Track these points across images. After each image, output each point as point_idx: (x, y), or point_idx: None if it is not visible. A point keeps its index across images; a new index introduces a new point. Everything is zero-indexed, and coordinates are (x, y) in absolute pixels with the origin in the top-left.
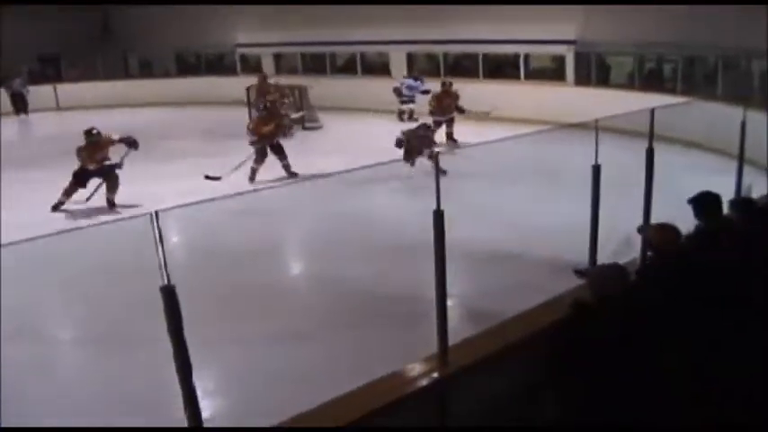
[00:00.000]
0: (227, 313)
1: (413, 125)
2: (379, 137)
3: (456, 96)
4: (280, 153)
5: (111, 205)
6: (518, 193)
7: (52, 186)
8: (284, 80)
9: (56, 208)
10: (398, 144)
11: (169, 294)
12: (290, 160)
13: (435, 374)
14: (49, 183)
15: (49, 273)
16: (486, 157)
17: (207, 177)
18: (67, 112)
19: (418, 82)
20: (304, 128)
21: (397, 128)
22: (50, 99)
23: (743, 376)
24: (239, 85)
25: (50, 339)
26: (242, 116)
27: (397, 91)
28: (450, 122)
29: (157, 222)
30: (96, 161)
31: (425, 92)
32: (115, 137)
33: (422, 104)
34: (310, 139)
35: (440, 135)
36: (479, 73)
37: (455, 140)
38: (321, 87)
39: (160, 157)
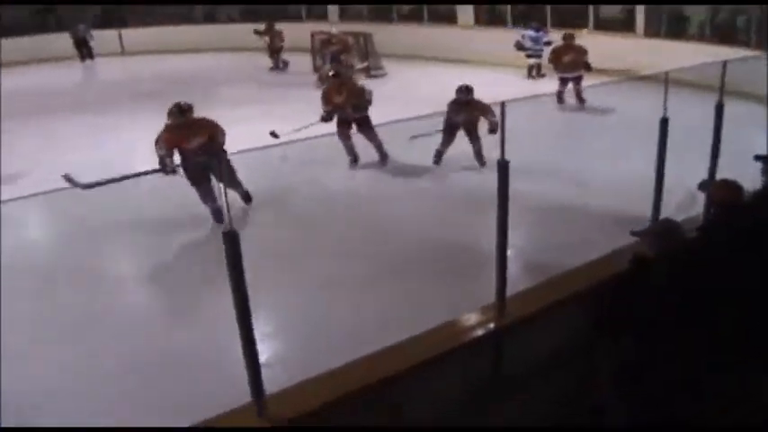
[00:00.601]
0: (289, 258)
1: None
2: (445, 86)
3: (581, 51)
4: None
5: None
6: (582, 147)
7: (120, 130)
8: (349, 27)
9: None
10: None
11: (231, 239)
12: None
13: (492, 325)
14: (116, 127)
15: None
16: (551, 110)
17: (271, 134)
18: (132, 56)
19: (540, 32)
20: (368, 76)
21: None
22: (115, 44)
23: None
24: (304, 31)
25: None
26: (306, 63)
27: (519, 45)
28: (577, 80)
29: (222, 166)
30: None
31: (548, 43)
32: None
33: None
34: (374, 86)
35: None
36: (547, 22)
37: (583, 100)
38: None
39: (223, 102)
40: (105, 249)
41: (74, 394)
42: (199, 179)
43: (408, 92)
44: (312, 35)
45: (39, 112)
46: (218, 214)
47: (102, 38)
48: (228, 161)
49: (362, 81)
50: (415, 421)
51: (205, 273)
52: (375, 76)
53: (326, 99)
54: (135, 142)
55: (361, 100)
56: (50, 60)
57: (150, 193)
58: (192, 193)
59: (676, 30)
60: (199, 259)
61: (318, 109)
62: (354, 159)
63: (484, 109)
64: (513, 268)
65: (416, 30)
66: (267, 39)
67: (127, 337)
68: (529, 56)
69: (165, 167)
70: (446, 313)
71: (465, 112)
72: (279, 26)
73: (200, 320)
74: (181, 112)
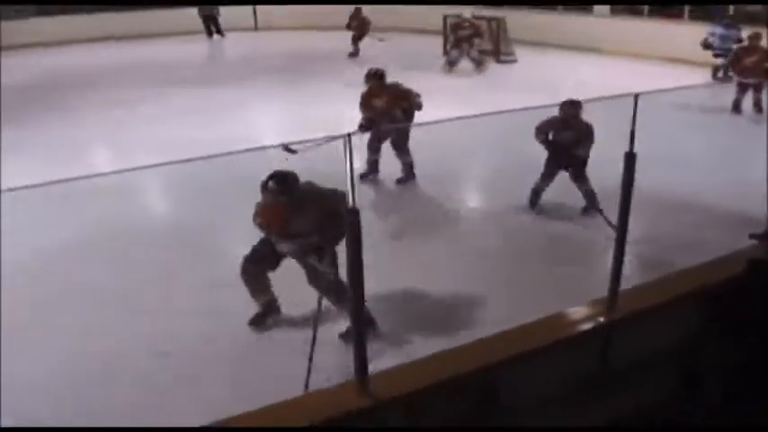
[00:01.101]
0: (409, 235)
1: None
2: (577, 74)
3: (766, 54)
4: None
5: None
6: (710, 143)
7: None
8: (482, 11)
9: None
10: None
11: (353, 216)
12: (482, 95)
13: (601, 318)
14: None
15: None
16: (680, 102)
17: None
18: (265, 32)
19: (732, 30)
20: (499, 61)
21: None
22: (249, 19)
23: None
24: (436, 14)
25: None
26: (438, 47)
27: (707, 44)
28: (757, 88)
29: (350, 145)
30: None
31: (739, 40)
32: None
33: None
34: (505, 73)
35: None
36: (684, 14)
37: (761, 110)
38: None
39: (351, 80)
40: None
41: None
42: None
43: (540, 79)
44: (445, 18)
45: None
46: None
47: (234, 12)
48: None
49: (492, 65)
50: (513, 410)
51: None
52: (505, 62)
53: (365, 104)
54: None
55: (408, 104)
56: (178, 35)
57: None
58: None
59: None
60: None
61: (443, 99)
62: (371, 171)
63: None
64: (627, 261)
65: (550, 17)
66: (355, 24)
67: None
68: (716, 55)
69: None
70: (558, 303)
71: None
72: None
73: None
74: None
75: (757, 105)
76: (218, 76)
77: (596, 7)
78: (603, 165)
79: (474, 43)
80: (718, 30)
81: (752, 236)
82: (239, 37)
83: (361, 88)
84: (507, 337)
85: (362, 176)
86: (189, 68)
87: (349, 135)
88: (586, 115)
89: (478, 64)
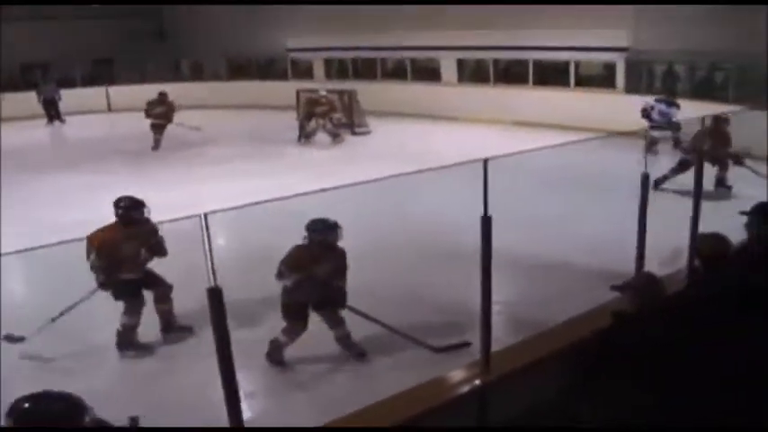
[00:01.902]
0: (268, 316)
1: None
2: (431, 143)
3: (725, 138)
4: None
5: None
6: (565, 202)
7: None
8: (333, 86)
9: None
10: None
11: (216, 296)
12: (338, 166)
13: (477, 381)
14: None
15: None
16: (534, 165)
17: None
18: (119, 113)
19: (672, 108)
20: (353, 133)
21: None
22: (102, 101)
23: None
24: (289, 89)
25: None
26: (292, 121)
27: (645, 113)
28: (723, 166)
29: (206, 224)
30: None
31: (675, 126)
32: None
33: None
34: (360, 144)
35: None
36: (529, 80)
37: (728, 187)
38: (369, 94)
39: (208, 160)
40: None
41: None
42: None
43: (394, 149)
44: (298, 93)
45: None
46: None
47: (89, 95)
48: None
49: (347, 137)
50: None
51: None
52: (359, 134)
53: (294, 264)
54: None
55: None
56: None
57: None
58: None
59: (656, 86)
60: None
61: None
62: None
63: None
64: (496, 322)
65: (401, 87)
66: (159, 110)
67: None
68: (653, 127)
69: None
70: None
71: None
72: (270, 84)
73: None
74: None
75: (721, 183)
76: (71, 159)
77: (444, 76)
78: (463, 230)
79: (331, 117)
80: (659, 106)
81: (613, 287)
82: (91, 119)
83: (217, 166)
84: (389, 404)
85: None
86: (38, 153)
87: (205, 214)
88: (438, 184)
89: (335, 137)
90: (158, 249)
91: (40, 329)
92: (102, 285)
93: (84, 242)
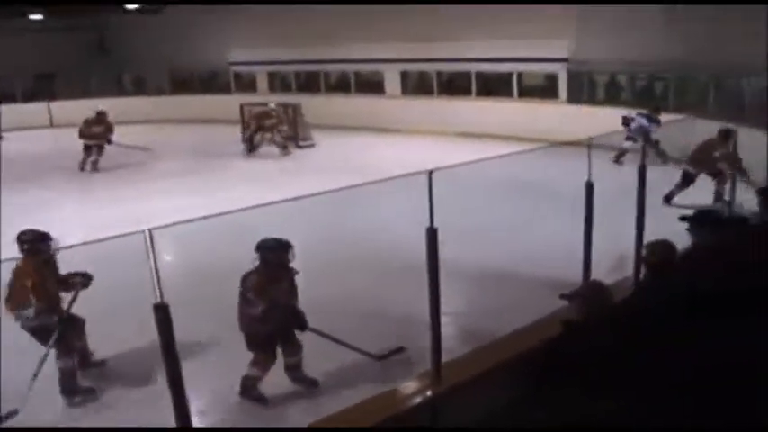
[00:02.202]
0: (217, 331)
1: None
2: (375, 155)
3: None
4: None
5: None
6: (511, 213)
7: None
8: (277, 99)
9: None
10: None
11: (162, 312)
12: (285, 178)
13: (428, 392)
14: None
15: None
16: (479, 176)
17: None
18: (62, 129)
19: (652, 124)
20: (298, 147)
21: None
22: (44, 116)
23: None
24: (233, 102)
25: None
26: (236, 135)
27: (626, 122)
28: (721, 180)
29: (151, 240)
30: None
31: (654, 142)
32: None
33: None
34: (305, 157)
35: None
36: (472, 91)
37: (725, 201)
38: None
39: (153, 175)
40: None
41: None
42: None
43: (339, 162)
44: (242, 107)
45: None
46: None
47: (31, 110)
48: None
49: (292, 150)
50: None
51: None
52: (304, 147)
53: (261, 291)
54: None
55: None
56: None
57: None
58: None
59: (598, 96)
60: None
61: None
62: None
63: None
64: (447, 334)
65: (345, 100)
66: (96, 130)
67: None
68: (628, 138)
69: None
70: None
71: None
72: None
73: None
74: None
75: (719, 197)
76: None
77: (388, 88)
78: (410, 241)
79: (280, 130)
80: (641, 120)
81: (562, 296)
82: (32, 135)
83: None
84: (342, 417)
85: None
86: None
87: (149, 230)
88: (385, 196)
89: (283, 149)
90: (71, 285)
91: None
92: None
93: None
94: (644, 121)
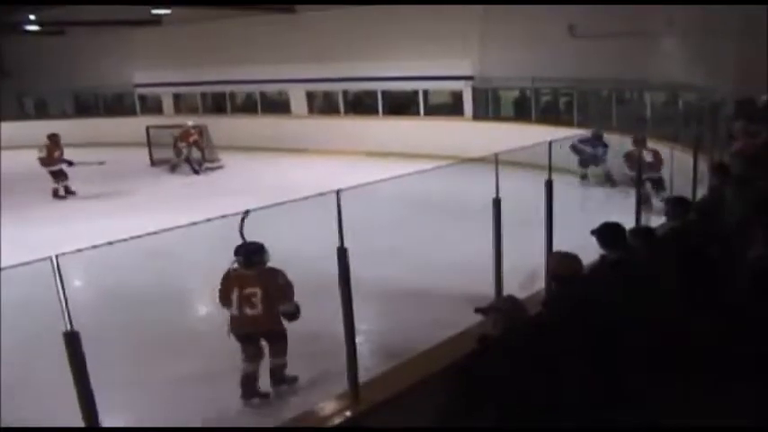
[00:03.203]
0: (134, 357)
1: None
2: (283, 175)
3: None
4: None
5: None
6: (424, 230)
7: None
8: (182, 120)
9: None
10: None
11: (73, 340)
12: (194, 200)
13: (348, 412)
14: None
15: None
16: (390, 194)
17: None
18: None
19: (598, 148)
20: (205, 168)
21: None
22: None
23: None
24: (139, 125)
25: None
26: (141, 157)
27: (577, 151)
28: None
29: (58, 266)
30: None
31: (599, 159)
32: None
33: None
34: (214, 179)
35: None
36: (379, 110)
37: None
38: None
39: (56, 200)
40: None
41: None
42: None
43: (248, 183)
44: (148, 129)
45: None
46: None
47: None
48: None
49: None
50: None
51: None
52: (212, 169)
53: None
54: None
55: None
56: None
57: None
58: None
59: (503, 112)
60: None
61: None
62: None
63: None
64: (364, 352)
65: (251, 121)
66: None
67: None
68: (582, 161)
69: None
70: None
71: None
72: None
73: None
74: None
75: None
76: None
77: (294, 108)
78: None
79: (199, 146)
80: (585, 147)
81: (477, 310)
82: None
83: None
84: None
85: None
86: None
87: (56, 256)
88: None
89: (199, 165)
90: None
91: None
92: None
93: None
94: (588, 148)
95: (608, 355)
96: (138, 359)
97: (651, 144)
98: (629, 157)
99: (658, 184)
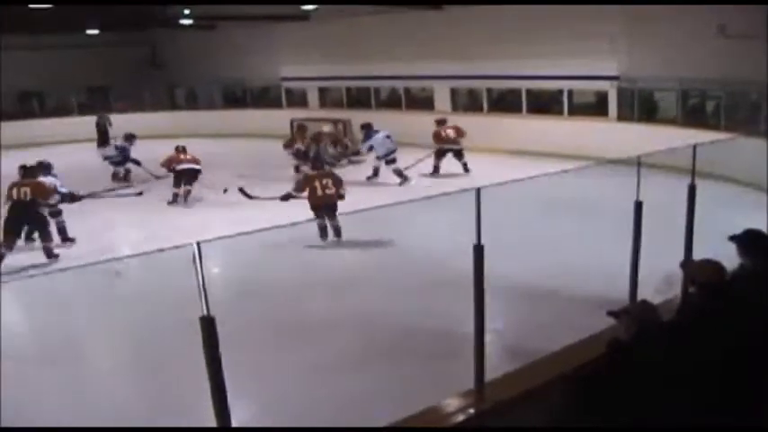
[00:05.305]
0: (265, 344)
1: None
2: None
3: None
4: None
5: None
6: (560, 230)
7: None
8: (326, 114)
9: None
10: None
11: (208, 324)
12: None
13: (471, 410)
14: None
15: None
16: (528, 193)
17: (241, 191)
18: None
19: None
20: (349, 162)
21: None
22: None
23: None
24: (285, 117)
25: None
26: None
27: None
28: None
29: (199, 253)
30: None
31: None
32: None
33: None
34: (356, 171)
35: None
36: (522, 109)
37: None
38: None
39: (202, 188)
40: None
41: None
42: None
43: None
44: (292, 122)
45: None
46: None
47: (83, 124)
48: None
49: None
50: None
51: None
52: (355, 162)
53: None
54: None
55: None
56: None
57: None
58: None
59: (648, 114)
60: None
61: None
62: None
63: None
64: (491, 352)
65: (395, 116)
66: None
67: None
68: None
69: None
70: (430, 398)
71: None
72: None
73: None
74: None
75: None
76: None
77: (438, 105)
78: (456, 257)
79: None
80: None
81: (609, 313)
82: (87, 147)
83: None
84: None
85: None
86: None
87: (198, 243)
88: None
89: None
90: None
91: None
92: None
93: None
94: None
95: (743, 375)
96: (267, 347)
97: None
98: None
99: None
